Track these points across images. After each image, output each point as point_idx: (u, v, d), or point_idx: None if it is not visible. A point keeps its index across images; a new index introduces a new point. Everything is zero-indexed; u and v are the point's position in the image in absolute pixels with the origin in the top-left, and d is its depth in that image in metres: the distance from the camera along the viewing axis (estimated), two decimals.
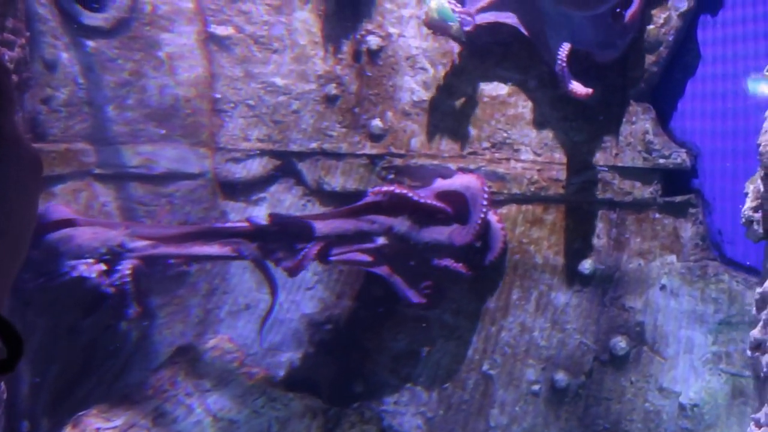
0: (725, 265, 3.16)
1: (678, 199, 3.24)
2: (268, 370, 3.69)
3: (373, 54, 3.64)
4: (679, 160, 3.22)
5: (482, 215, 3.24)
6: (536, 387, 3.42)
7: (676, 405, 3.14)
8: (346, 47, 3.69)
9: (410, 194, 3.32)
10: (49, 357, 3.51)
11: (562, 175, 3.44)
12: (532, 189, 3.48)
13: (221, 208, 3.88)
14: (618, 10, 3.14)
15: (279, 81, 3.75)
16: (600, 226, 3.41)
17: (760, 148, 2.05)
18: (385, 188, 3.35)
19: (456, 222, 3.41)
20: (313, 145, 3.74)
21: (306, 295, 3.83)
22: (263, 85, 3.78)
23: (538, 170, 3.48)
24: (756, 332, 2.10)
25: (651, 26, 3.22)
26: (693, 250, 3.21)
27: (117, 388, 3.63)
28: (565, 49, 3.05)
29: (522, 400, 3.43)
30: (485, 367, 3.51)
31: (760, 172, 2.13)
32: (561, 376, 3.36)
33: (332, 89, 3.69)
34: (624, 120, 3.31)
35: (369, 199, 3.37)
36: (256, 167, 3.81)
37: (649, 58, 3.24)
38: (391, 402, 3.63)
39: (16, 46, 2.96)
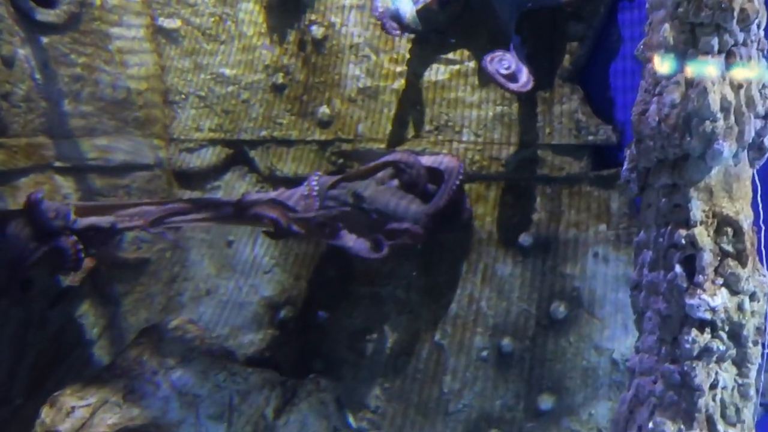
0: None
1: (606, 172, 3.47)
2: (230, 350, 3.87)
3: (318, 43, 3.78)
4: (605, 136, 3.45)
5: (453, 190, 3.38)
6: (484, 353, 3.65)
7: (609, 361, 3.41)
8: (291, 37, 3.82)
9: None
10: (23, 345, 3.65)
11: (501, 153, 3.65)
12: (474, 168, 3.68)
13: (178, 198, 4.02)
14: None
15: (227, 71, 3.88)
16: (537, 200, 3.63)
17: (632, 117, 2.23)
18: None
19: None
20: (264, 133, 3.88)
21: (264, 278, 4.00)
22: (212, 76, 3.90)
23: (479, 150, 3.67)
24: (634, 275, 2.32)
25: None
26: (621, 219, 3.45)
27: (87, 371, 3.78)
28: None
29: (472, 366, 3.66)
30: (437, 337, 3.72)
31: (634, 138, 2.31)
32: (507, 342, 3.59)
33: (279, 78, 3.83)
34: (555, 101, 3.52)
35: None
36: (209, 156, 3.95)
37: (575, 42, 3.45)
38: (350, 376, 3.84)
39: None
